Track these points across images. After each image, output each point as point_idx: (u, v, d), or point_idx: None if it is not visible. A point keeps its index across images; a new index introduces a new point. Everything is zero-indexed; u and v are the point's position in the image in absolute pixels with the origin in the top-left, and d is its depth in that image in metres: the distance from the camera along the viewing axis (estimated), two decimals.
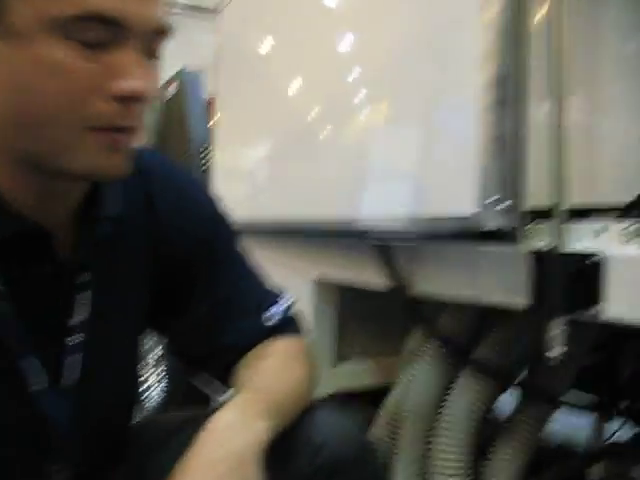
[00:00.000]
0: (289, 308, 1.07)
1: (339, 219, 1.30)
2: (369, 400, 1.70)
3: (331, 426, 0.92)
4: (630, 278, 0.89)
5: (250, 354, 0.99)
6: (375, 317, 1.83)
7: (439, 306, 1.44)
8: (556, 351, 0.95)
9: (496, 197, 0.88)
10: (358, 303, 1.78)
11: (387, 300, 1.76)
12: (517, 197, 0.89)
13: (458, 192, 0.94)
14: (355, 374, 1.74)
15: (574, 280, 0.93)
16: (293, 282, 1.55)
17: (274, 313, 1.03)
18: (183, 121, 2.93)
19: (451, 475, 1.31)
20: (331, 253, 1.61)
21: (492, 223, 0.87)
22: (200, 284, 1.00)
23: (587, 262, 0.92)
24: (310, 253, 1.67)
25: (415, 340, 1.52)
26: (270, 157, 1.78)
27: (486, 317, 1.42)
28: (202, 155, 2.67)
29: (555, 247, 0.94)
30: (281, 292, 1.07)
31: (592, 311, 0.92)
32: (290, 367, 0.98)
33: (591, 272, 0.92)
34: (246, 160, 1.93)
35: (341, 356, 1.78)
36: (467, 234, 0.96)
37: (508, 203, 0.89)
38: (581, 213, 1.03)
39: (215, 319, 1.00)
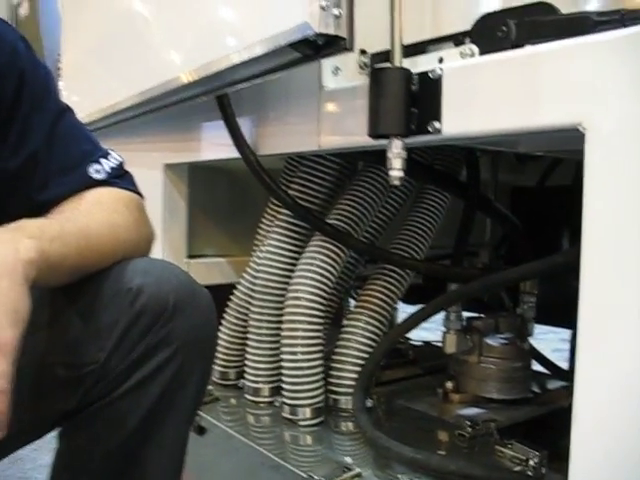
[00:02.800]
0: (121, 165, 1.00)
1: (179, 81, 1.23)
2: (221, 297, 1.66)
3: (153, 271, 0.89)
4: (466, 90, 0.88)
5: (71, 197, 0.93)
6: (227, 217, 1.81)
7: (291, 176, 1.42)
8: (395, 174, 0.94)
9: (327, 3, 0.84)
10: (209, 198, 1.75)
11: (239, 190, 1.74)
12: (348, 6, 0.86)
13: (289, 6, 0.90)
14: (207, 270, 1.70)
15: (414, 97, 0.92)
16: (143, 168, 1.50)
17: (103, 166, 0.96)
18: (38, 38, 2.76)
19: (301, 345, 1.29)
20: (179, 136, 1.56)
21: (324, 29, 0.84)
22: (14, 132, 0.92)
23: (426, 77, 0.90)
24: (158, 138, 1.61)
25: (267, 217, 1.49)
26: (107, 53, 1.69)
27: (338, 185, 1.40)
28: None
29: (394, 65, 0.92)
30: (111, 151, 1.00)
31: (432, 128, 0.91)
32: (112, 210, 0.93)
33: (431, 89, 0.90)
34: (89, 60, 1.85)
35: (193, 254, 1.76)
36: (303, 54, 0.92)
37: (338, 11, 0.85)
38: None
39: (33, 172, 0.92)
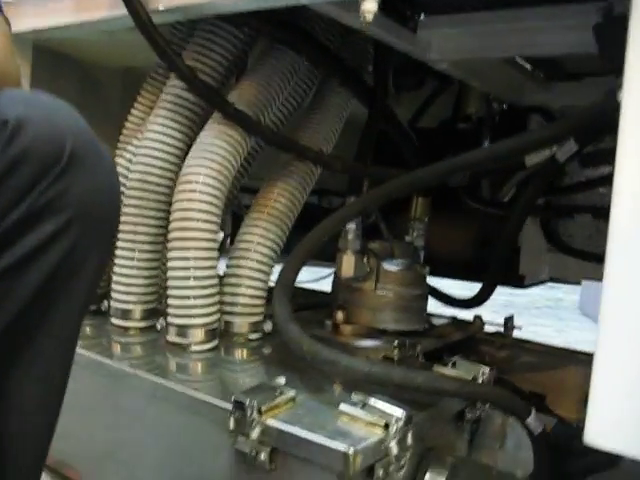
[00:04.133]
0: None
1: None
2: None
3: (40, 102, 0.64)
4: None
5: None
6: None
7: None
8: (368, 6, 0.74)
9: None
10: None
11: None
12: None
13: None
14: None
15: None
16: None
17: None
18: None
19: (195, 248, 1.05)
20: None
21: None
22: None
23: None
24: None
25: (142, 104, 1.21)
26: None
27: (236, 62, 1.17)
28: None
29: None
30: None
31: None
32: None
33: None
34: None
35: None
36: None
37: None
38: None
39: None
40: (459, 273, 1.72)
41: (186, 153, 1.10)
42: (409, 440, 0.82)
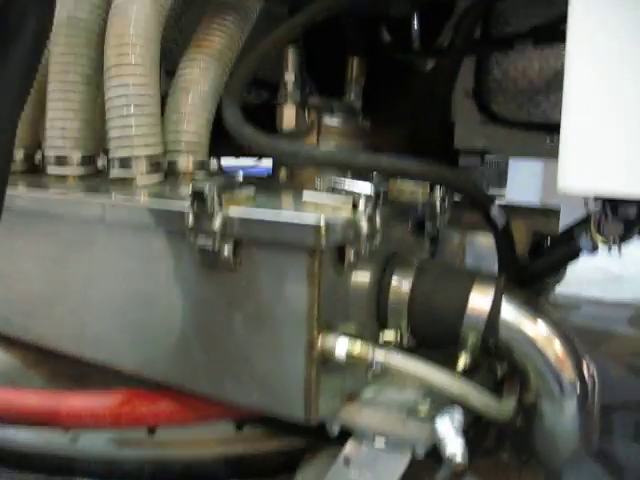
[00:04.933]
0: None
1: None
2: None
3: None
4: None
5: None
6: None
7: None
8: None
9: None
10: None
11: None
12: None
13: None
14: None
15: None
16: None
17: None
18: None
19: (134, 65, 0.99)
20: None
21: None
22: None
23: None
24: None
25: None
26: None
27: None
28: None
29: None
30: None
31: None
32: None
33: None
34: None
35: None
36: None
37: None
38: None
39: None
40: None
41: None
42: (378, 220, 0.80)
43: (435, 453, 0.81)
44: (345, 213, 0.78)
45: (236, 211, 0.78)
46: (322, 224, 0.72)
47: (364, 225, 0.78)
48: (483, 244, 1.08)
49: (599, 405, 0.92)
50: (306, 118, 1.26)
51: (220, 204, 0.78)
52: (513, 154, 1.95)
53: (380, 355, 0.78)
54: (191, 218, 0.79)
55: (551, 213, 1.39)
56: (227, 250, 0.79)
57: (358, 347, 0.77)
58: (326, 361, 0.78)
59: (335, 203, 0.79)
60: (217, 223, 0.77)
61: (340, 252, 0.78)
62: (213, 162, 1.09)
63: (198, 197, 0.77)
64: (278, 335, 0.78)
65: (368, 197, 0.78)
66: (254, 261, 0.79)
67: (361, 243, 0.78)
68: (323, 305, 0.76)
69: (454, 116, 1.69)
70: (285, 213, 0.76)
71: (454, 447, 0.75)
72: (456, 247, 1.09)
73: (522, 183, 3.13)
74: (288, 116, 1.22)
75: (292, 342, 0.77)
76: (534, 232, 1.28)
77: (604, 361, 1.59)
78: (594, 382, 0.90)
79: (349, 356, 0.76)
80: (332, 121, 1.29)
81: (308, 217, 0.74)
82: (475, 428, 0.93)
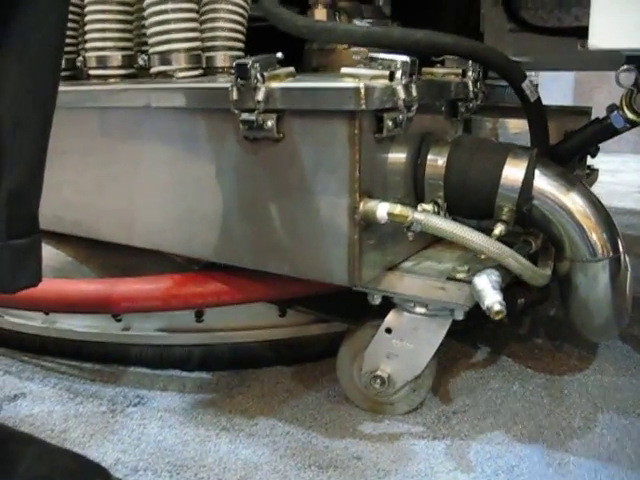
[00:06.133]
0: None
1: None
2: None
3: None
4: None
5: None
6: None
7: None
8: None
9: None
10: None
11: None
12: None
13: None
14: None
15: None
16: None
17: None
18: None
19: None
20: None
21: None
22: None
23: None
24: None
25: None
26: None
27: None
28: None
29: None
30: None
31: None
32: None
33: None
34: None
35: None
36: None
37: None
38: None
39: None
40: None
41: None
42: (414, 89, 0.83)
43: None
44: (383, 81, 0.80)
45: (278, 83, 0.81)
46: (362, 87, 0.75)
47: (401, 92, 0.80)
48: (516, 129, 1.10)
49: (632, 283, 0.95)
50: (337, 20, 1.27)
51: (263, 77, 0.81)
52: (544, 66, 1.94)
53: (420, 214, 0.81)
54: (235, 92, 0.82)
55: (582, 112, 1.40)
56: (270, 122, 0.82)
57: (399, 208, 0.80)
58: (368, 225, 0.82)
59: (373, 73, 0.81)
60: (260, 95, 0.80)
61: (379, 120, 0.81)
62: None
63: (241, 71, 0.80)
64: (322, 202, 0.82)
65: (404, 66, 0.80)
66: (297, 131, 0.82)
67: (398, 110, 0.81)
68: (364, 170, 0.79)
69: (482, 25, 1.69)
70: (325, 83, 0.79)
71: (492, 298, 0.79)
72: (489, 133, 1.11)
73: (553, 94, 3.10)
74: (319, 18, 1.24)
75: (335, 207, 0.81)
76: (565, 132, 1.29)
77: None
78: (626, 256, 0.93)
79: (390, 215, 0.80)
80: (363, 24, 1.30)
81: (347, 82, 0.77)
82: (510, 316, 0.96)
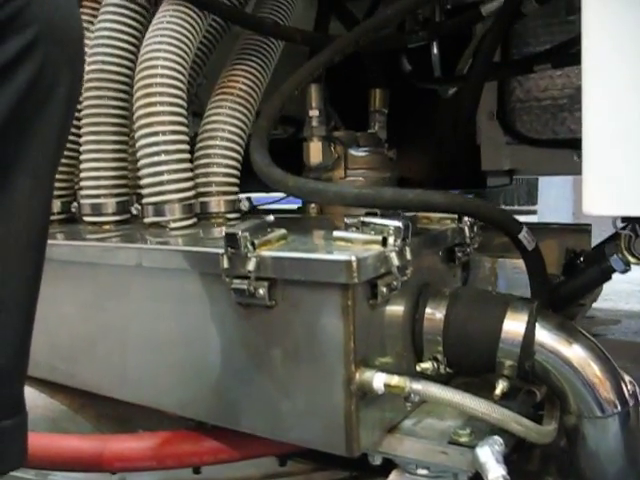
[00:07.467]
0: None
1: None
2: None
3: None
4: None
5: None
6: None
7: None
8: None
9: None
10: None
11: None
12: None
13: None
14: None
15: None
16: None
17: None
18: None
19: (161, 123, 1.02)
20: None
21: None
22: None
23: None
24: None
25: None
26: None
27: None
28: None
29: None
30: None
31: None
32: None
33: None
34: None
35: None
36: None
37: None
38: None
39: None
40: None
41: (143, 37, 1.07)
42: (408, 254, 0.81)
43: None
44: (375, 248, 0.79)
45: (269, 252, 0.80)
46: (353, 260, 0.74)
47: (395, 259, 0.79)
48: (514, 268, 1.09)
49: None
50: (332, 152, 1.28)
51: (253, 245, 0.80)
52: (541, 173, 1.95)
53: (417, 385, 0.78)
54: (225, 261, 0.81)
55: (583, 231, 1.39)
56: (262, 290, 0.80)
57: (395, 379, 0.78)
58: (365, 394, 0.79)
59: (365, 238, 0.80)
60: (251, 265, 0.79)
61: (372, 287, 0.79)
62: (244, 201, 1.11)
63: (231, 240, 0.79)
64: (316, 371, 0.80)
65: (397, 231, 0.79)
66: (289, 299, 0.80)
67: (393, 277, 0.79)
68: (359, 339, 0.77)
69: (479, 138, 1.71)
70: (317, 252, 0.78)
71: (496, 472, 0.75)
72: (488, 272, 1.09)
73: (553, 198, 3.12)
74: (315, 151, 1.25)
75: (330, 377, 0.79)
76: (566, 250, 1.28)
77: None
78: (637, 400, 0.89)
79: (387, 387, 0.77)
80: (358, 153, 1.31)
81: (339, 254, 0.76)
82: (519, 451, 0.93)
